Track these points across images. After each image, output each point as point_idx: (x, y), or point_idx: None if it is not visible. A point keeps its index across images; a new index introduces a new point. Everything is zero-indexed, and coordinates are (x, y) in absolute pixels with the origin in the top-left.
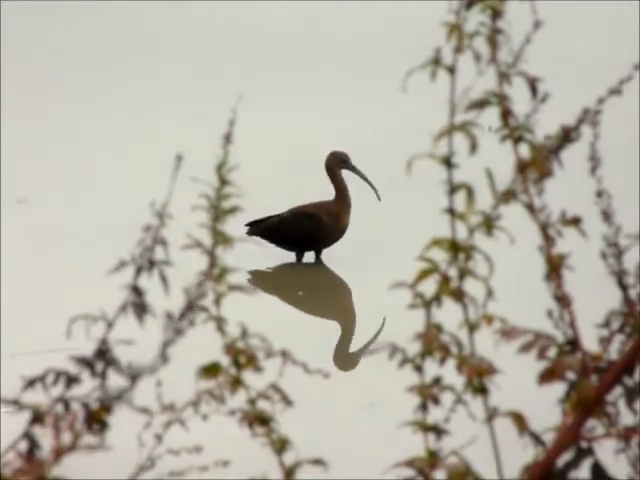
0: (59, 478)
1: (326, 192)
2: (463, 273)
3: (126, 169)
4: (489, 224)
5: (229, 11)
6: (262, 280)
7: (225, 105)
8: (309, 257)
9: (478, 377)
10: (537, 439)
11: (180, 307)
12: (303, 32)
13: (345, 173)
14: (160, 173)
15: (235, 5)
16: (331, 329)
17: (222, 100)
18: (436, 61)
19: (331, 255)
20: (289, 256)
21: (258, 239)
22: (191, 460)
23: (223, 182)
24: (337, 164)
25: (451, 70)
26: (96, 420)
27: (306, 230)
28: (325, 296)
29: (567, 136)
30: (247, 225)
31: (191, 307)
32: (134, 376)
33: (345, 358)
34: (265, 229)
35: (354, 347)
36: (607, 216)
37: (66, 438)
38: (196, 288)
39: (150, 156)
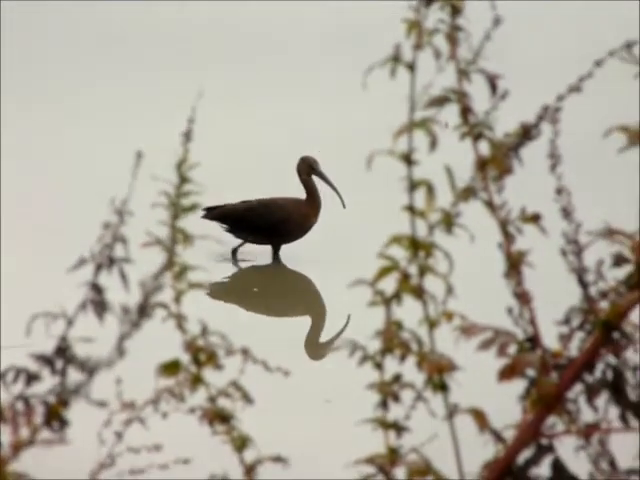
0: (17, 474)
1: (290, 192)
2: (423, 270)
3: (87, 166)
4: (449, 221)
5: (197, 6)
6: (221, 278)
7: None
8: (267, 256)
9: (438, 374)
10: (497, 436)
11: (137, 301)
12: (266, 27)
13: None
14: (122, 170)
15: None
16: (292, 326)
17: (189, 97)
18: (396, 58)
19: (292, 253)
20: (249, 254)
21: (218, 237)
22: (151, 458)
23: (183, 180)
24: (306, 169)
25: (411, 67)
26: (55, 417)
27: (273, 219)
28: (286, 293)
29: (527, 133)
30: (205, 209)
31: (147, 300)
32: (91, 370)
33: (316, 347)
34: (229, 213)
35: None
36: (567, 213)
37: (25, 434)
38: (151, 281)
39: (111, 153)
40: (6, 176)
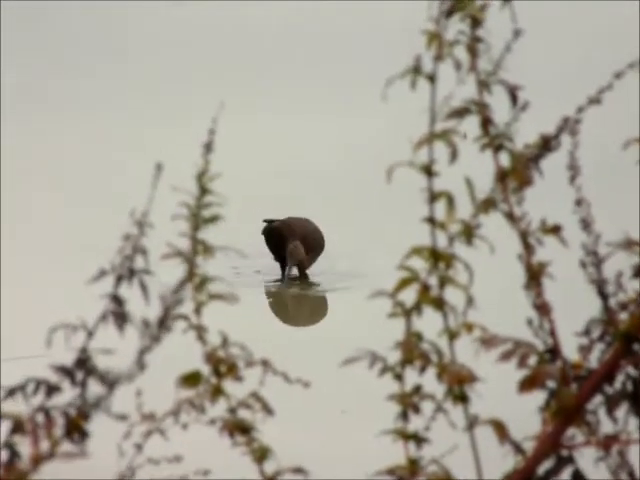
0: None
1: (310, 204)
2: (443, 281)
3: (106, 177)
4: (469, 233)
5: (214, 11)
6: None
7: (208, 113)
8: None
9: (458, 385)
10: (517, 447)
11: (158, 314)
12: (285, 36)
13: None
14: (141, 182)
15: (219, 5)
16: (310, 338)
17: (205, 108)
18: (416, 69)
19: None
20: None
21: (240, 249)
22: (171, 469)
23: (204, 191)
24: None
25: (431, 78)
26: (76, 429)
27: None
28: (303, 306)
29: (547, 145)
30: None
31: (167, 314)
32: (111, 384)
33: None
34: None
35: (337, 357)
36: (586, 224)
37: (45, 446)
38: (172, 295)
39: (131, 164)
40: (25, 187)
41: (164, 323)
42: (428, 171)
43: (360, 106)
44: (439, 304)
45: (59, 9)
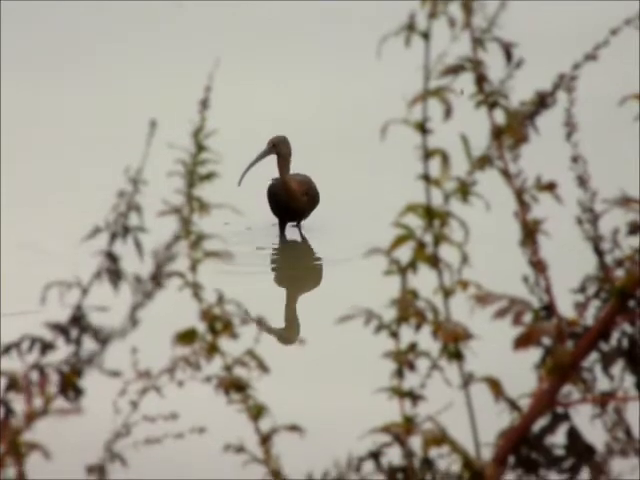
0: (31, 444)
1: (306, 160)
2: (438, 239)
3: (100, 134)
4: (465, 190)
5: None
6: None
7: (203, 69)
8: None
9: (453, 343)
10: (513, 404)
11: (151, 270)
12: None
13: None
14: (136, 138)
15: None
16: (304, 296)
17: (201, 64)
18: (410, 27)
19: (305, 223)
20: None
21: (235, 206)
22: (167, 427)
23: (200, 148)
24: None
25: (426, 36)
26: (70, 386)
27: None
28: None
29: (543, 102)
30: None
31: (159, 270)
32: (104, 340)
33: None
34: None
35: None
36: (582, 181)
37: (39, 403)
38: (164, 251)
39: (125, 121)
40: (21, 143)
41: (156, 279)
42: (422, 128)
43: (355, 66)
44: (434, 262)
45: None
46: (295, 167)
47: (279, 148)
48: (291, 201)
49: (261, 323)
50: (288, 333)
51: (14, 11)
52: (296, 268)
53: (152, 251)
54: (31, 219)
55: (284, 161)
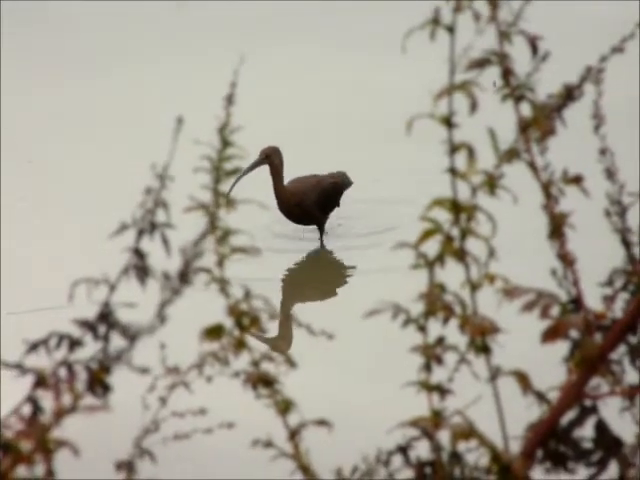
0: (60, 441)
1: (326, 158)
2: (465, 233)
3: (127, 131)
4: (492, 183)
5: None
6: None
7: (228, 65)
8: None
9: (481, 336)
10: (541, 397)
11: (179, 267)
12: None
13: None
14: (162, 135)
15: None
16: (333, 291)
17: (225, 61)
18: (435, 21)
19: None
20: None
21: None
22: (195, 422)
23: (225, 144)
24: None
25: (450, 29)
26: (98, 383)
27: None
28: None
29: (570, 94)
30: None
31: (187, 267)
32: (132, 337)
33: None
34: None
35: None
36: (610, 174)
37: (67, 400)
38: (192, 248)
39: (151, 118)
40: (48, 141)
41: (184, 276)
42: (448, 122)
43: (382, 59)
44: (461, 255)
45: None
46: (325, 160)
47: (271, 159)
48: (283, 211)
49: (289, 317)
50: (281, 343)
51: (45, 15)
52: (305, 278)
53: (180, 248)
54: (58, 215)
55: (276, 171)
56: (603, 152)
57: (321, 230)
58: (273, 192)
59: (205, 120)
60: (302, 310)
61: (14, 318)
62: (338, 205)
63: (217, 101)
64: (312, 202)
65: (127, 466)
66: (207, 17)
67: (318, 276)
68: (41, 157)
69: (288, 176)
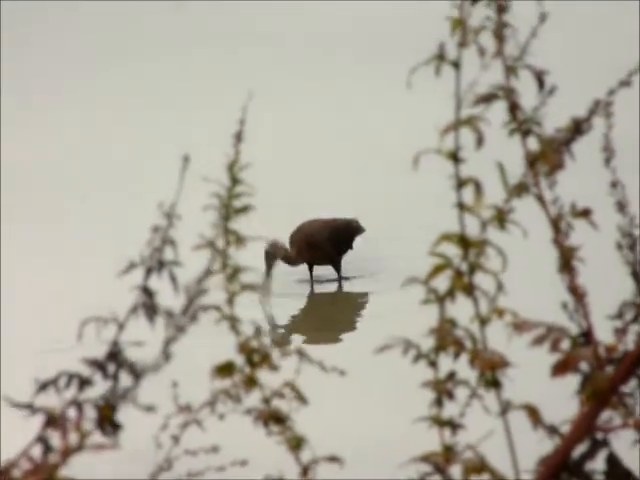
0: (68, 479)
1: (339, 191)
2: (474, 267)
3: (134, 170)
4: (502, 218)
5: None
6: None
7: (232, 101)
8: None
9: (491, 371)
10: (552, 431)
11: (182, 305)
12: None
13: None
14: (168, 173)
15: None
16: (344, 327)
17: (231, 96)
18: (440, 56)
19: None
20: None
21: (270, 239)
22: (208, 460)
23: (234, 181)
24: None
25: (456, 65)
26: (108, 421)
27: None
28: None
29: (578, 128)
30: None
31: (191, 304)
32: (138, 375)
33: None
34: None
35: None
36: (622, 206)
37: (75, 439)
38: (196, 285)
39: (157, 156)
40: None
41: (189, 313)
42: (455, 157)
43: (386, 96)
44: (470, 290)
45: None
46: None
47: (275, 254)
48: (296, 261)
49: (301, 354)
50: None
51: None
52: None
53: (183, 286)
54: (66, 255)
55: (282, 255)
56: (614, 185)
57: (337, 270)
58: (282, 262)
59: (212, 156)
60: (313, 347)
61: (25, 357)
62: (351, 248)
63: (224, 136)
64: (324, 238)
65: None
66: (206, 17)
67: (328, 314)
68: (42, 195)
69: (298, 221)
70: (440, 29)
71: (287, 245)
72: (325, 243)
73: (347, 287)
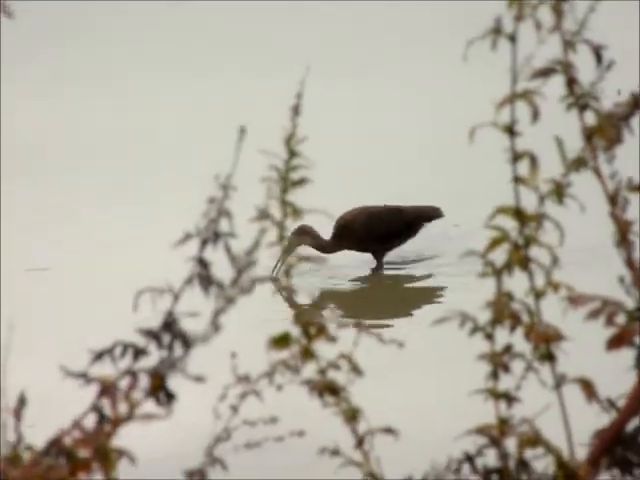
0: (120, 450)
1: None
2: (529, 241)
3: (191, 141)
4: (560, 192)
5: None
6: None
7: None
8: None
9: (545, 344)
10: (607, 405)
11: (232, 276)
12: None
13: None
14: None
15: None
16: (401, 299)
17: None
18: (497, 30)
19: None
20: None
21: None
22: (266, 431)
23: (292, 154)
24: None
25: (512, 39)
26: (162, 390)
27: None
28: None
29: (637, 103)
30: None
31: (240, 275)
32: (187, 345)
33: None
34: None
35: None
36: None
37: (126, 408)
38: (245, 257)
39: (215, 127)
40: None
41: (238, 284)
42: (510, 131)
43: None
44: (525, 263)
45: None
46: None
47: (303, 237)
48: (334, 247)
49: (360, 326)
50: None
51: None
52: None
53: (232, 257)
54: (121, 226)
55: (313, 241)
56: None
57: (377, 258)
58: (319, 251)
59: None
60: (370, 320)
61: (79, 327)
62: (409, 236)
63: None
64: (360, 225)
65: (198, 474)
66: (204, 16)
67: (383, 289)
68: (102, 165)
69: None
70: (496, 5)
71: (329, 232)
72: (360, 230)
73: (410, 269)
